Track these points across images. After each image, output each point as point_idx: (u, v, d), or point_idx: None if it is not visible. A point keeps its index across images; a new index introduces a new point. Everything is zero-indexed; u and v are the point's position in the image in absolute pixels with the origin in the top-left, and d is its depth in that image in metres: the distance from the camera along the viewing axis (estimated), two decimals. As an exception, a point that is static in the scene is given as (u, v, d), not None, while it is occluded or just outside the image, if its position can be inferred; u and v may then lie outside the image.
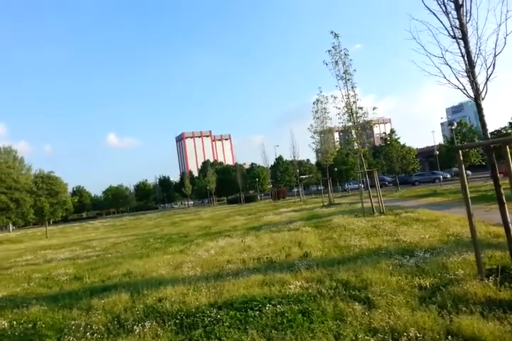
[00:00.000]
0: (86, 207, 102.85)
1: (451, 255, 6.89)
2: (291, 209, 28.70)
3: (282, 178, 72.67)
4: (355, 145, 21.17)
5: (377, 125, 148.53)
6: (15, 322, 6.23)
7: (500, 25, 5.46)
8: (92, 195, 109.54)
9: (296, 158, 51.06)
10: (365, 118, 19.69)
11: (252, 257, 9.55)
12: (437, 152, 48.85)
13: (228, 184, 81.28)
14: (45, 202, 36.11)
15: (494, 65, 5.65)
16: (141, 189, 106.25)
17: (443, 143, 61.03)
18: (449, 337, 3.72)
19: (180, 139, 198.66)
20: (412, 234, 9.84)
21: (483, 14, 5.63)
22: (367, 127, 23.86)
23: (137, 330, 4.98)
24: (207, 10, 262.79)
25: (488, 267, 5.82)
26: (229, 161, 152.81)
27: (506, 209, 5.47)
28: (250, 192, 79.83)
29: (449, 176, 48.52)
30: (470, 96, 5.98)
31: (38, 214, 37.09)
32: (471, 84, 5.83)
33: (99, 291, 7.77)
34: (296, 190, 61.79)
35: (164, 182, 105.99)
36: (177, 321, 5.21)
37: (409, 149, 48.66)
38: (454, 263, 6.31)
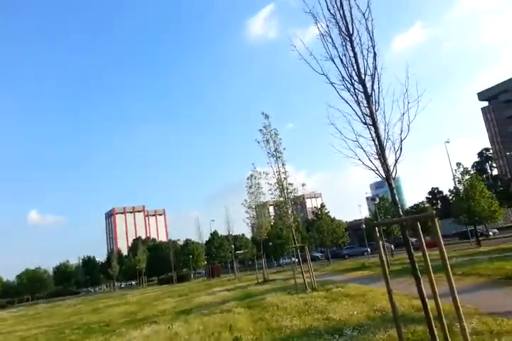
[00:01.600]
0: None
1: (377, 332, 6.95)
2: (224, 288, 27.48)
3: (217, 254, 70.67)
4: (287, 220, 21.67)
5: (309, 199, 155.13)
6: None
7: (403, 114, 6.29)
8: (4, 280, 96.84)
9: (231, 233, 50.47)
10: (295, 194, 20.56)
11: (179, 346, 8.80)
12: (364, 225, 51.36)
13: (160, 262, 76.71)
14: None
15: (401, 148, 6.36)
16: (62, 271, 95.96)
17: (369, 216, 64.51)
18: None
19: (110, 215, 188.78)
20: (341, 311, 9.83)
21: (389, 104, 6.46)
22: (297, 202, 24.79)
23: None
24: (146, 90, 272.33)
25: (411, 343, 5.91)
26: (162, 237, 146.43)
27: (422, 286, 5.76)
28: (184, 270, 75.85)
29: (369, 250, 50.31)
30: (382, 177, 6.58)
31: None
32: (382, 166, 6.46)
33: None
34: (230, 266, 59.97)
35: (88, 262, 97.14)
36: None
37: (338, 223, 50.74)
38: (379, 341, 6.34)
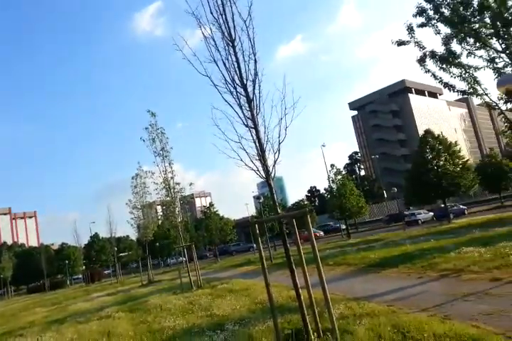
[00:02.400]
0: None
1: (257, 324, 7.22)
2: (105, 293, 25.82)
3: (98, 258, 65.93)
4: (174, 220, 21.30)
5: (198, 198, 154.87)
6: None
7: (281, 119, 6.64)
8: None
9: (114, 235, 47.62)
10: (182, 193, 20.31)
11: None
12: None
13: (31, 269, 68.44)
14: None
15: (279, 150, 6.72)
16: None
17: (255, 214, 67.11)
18: None
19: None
20: (225, 307, 10.00)
21: (269, 109, 6.77)
22: (185, 201, 24.53)
23: None
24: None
25: (286, 331, 6.27)
26: (33, 242, 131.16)
27: (296, 275, 6.17)
28: (58, 276, 69.03)
29: (255, 246, 52.55)
30: (262, 177, 6.87)
31: None
32: (263, 167, 6.74)
33: None
34: (113, 269, 56.55)
35: None
36: None
37: (227, 220, 51.74)
38: (258, 332, 6.61)
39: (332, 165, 37.46)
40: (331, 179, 37.46)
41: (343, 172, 39.66)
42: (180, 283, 18.00)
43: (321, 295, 6.66)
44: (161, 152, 19.57)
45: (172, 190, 19.65)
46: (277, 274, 14.16)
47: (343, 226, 40.14)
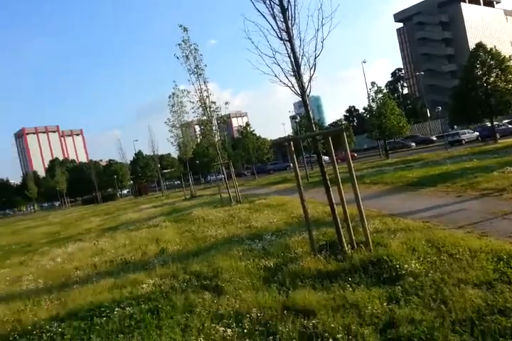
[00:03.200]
0: None
1: (293, 235, 7.61)
2: (152, 205, 27.90)
3: (143, 173, 70.09)
4: (211, 138, 21.63)
5: (235, 118, 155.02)
6: None
7: (318, 30, 6.10)
8: None
9: (156, 153, 49.64)
10: (218, 113, 20.25)
11: (105, 260, 8.96)
12: (286, 143, 53.40)
13: (82, 183, 74.41)
14: None
15: (315, 65, 6.31)
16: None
17: (292, 134, 66.95)
18: (285, 311, 4.08)
19: (20, 136, 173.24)
20: (262, 220, 10.55)
21: (304, 20, 6.21)
22: (221, 121, 24.58)
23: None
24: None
25: (321, 243, 6.59)
26: (82, 158, 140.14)
27: (331, 191, 6.25)
28: (109, 190, 74.81)
29: (291, 165, 53.18)
30: (297, 94, 6.58)
31: None
32: (298, 83, 6.42)
33: None
34: (157, 184, 60.31)
35: (2, 185, 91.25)
36: (5, 345, 4.55)
37: (263, 140, 52.16)
38: (294, 243, 6.98)
39: (373, 83, 35.45)
40: (371, 98, 35.79)
41: (385, 91, 37.60)
42: (220, 198, 18.98)
43: (355, 211, 6.82)
44: (195, 70, 19.08)
45: (208, 109, 19.58)
46: (313, 192, 14.49)
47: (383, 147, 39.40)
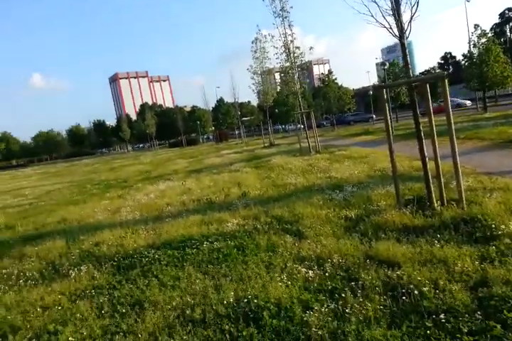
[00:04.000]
0: (15, 154, 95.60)
1: (375, 188, 7.43)
2: (232, 151, 28.85)
3: (224, 120, 71.87)
4: (293, 87, 21.19)
5: (316, 65, 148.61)
6: None
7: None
8: (21, 142, 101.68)
9: (237, 100, 50.16)
10: (302, 59, 19.54)
11: (192, 199, 9.65)
12: (371, 92, 50.38)
13: (169, 127, 78.86)
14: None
15: (418, 3, 5.64)
16: (75, 134, 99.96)
17: (377, 83, 62.76)
18: (368, 260, 4.11)
19: (114, 80, 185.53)
20: (343, 171, 10.40)
21: None
22: (304, 68, 23.80)
23: (73, 274, 4.97)
24: None
25: (407, 198, 6.36)
26: (169, 104, 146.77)
27: (424, 144, 5.85)
28: (192, 135, 78.55)
29: (374, 116, 50.00)
30: (395, 35, 6.01)
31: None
32: (396, 23, 5.84)
33: (32, 239, 7.53)
34: (238, 132, 61.73)
35: (100, 126, 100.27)
36: (114, 263, 5.26)
37: (345, 90, 49.70)
38: (377, 196, 6.82)
39: (476, 26, 30.94)
40: (472, 43, 31.54)
41: (489, 35, 32.79)
42: (299, 147, 18.96)
43: (448, 167, 6.38)
44: (280, 12, 18.35)
45: (292, 55, 19.01)
46: (399, 145, 13.75)
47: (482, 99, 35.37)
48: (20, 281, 5.04)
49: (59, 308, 4.02)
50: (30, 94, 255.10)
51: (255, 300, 3.50)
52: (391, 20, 5.84)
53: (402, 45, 6.06)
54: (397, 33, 5.91)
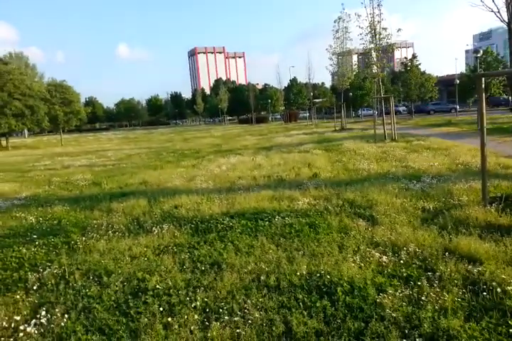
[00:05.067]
0: (99, 118, 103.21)
1: (457, 182, 7.07)
2: (302, 132, 28.69)
3: (295, 101, 71.22)
4: (374, 69, 20.35)
5: (398, 49, 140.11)
6: (41, 219, 6.76)
7: None
8: (105, 107, 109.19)
9: (310, 81, 49.46)
10: (388, 41, 18.63)
11: (263, 175, 9.88)
12: (457, 81, 46.66)
13: (240, 103, 79.99)
14: (59, 111, 36.40)
15: None
16: (153, 104, 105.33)
17: (465, 72, 57.76)
18: (446, 253, 4.00)
19: (192, 54, 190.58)
20: (421, 161, 9.96)
21: None
22: (389, 50, 22.68)
23: (156, 231, 5.42)
24: None
25: (492, 195, 5.99)
26: (242, 80, 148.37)
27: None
28: (262, 113, 79.00)
29: (457, 107, 46.36)
30: (503, 21, 5.55)
31: (53, 122, 37.62)
32: (507, 7, 5.36)
33: (117, 196, 8.25)
34: (308, 113, 60.91)
35: (176, 98, 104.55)
36: (192, 225, 5.63)
37: (428, 76, 46.50)
38: (459, 190, 6.50)
39: None
40: None
41: None
42: (374, 133, 18.34)
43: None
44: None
45: (377, 36, 18.21)
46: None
47: None
48: (109, 232, 5.59)
49: (145, 259, 4.44)
50: (116, 63, 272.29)
51: (328, 276, 3.60)
52: (500, 3, 5.39)
53: (510, 31, 5.58)
54: (505, 18, 5.45)
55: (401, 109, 58.18)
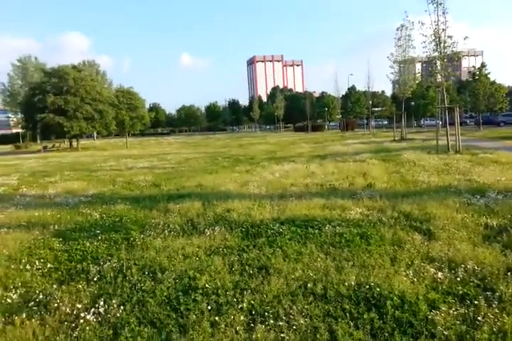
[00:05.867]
0: (161, 123, 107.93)
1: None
2: (359, 141, 28.09)
3: (353, 109, 69.79)
4: (439, 78, 19.52)
5: (466, 57, 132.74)
6: (104, 215, 7.23)
7: None
8: (167, 113, 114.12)
9: (370, 89, 48.25)
10: (453, 49, 17.82)
11: (316, 183, 9.81)
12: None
13: (296, 111, 79.96)
14: (125, 116, 38.78)
15: None
16: (211, 110, 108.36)
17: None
18: (509, 273, 3.74)
19: (251, 63, 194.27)
20: (486, 175, 9.37)
21: None
22: (454, 58, 21.66)
23: (208, 233, 5.59)
24: None
25: None
26: (299, 88, 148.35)
27: None
28: (318, 121, 78.34)
29: None
30: None
31: (119, 126, 40.13)
32: None
33: (174, 198, 8.61)
34: (366, 122, 59.44)
35: (233, 105, 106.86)
36: (243, 229, 5.74)
37: (499, 86, 43.58)
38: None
39: None
40: None
41: None
42: (436, 144, 17.52)
43: None
44: (436, -2, 16.97)
45: (441, 44, 17.50)
46: None
47: None
48: (165, 231, 5.86)
49: (197, 259, 4.61)
50: (178, 71, 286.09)
51: (377, 288, 3.51)
52: None
53: None
54: None
55: (468, 120, 55.01)
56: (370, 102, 52.57)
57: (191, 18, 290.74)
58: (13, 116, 60.86)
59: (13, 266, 4.68)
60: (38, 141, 50.29)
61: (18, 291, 3.94)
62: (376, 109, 68.01)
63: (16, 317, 3.38)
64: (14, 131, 63.61)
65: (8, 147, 48.32)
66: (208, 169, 14.46)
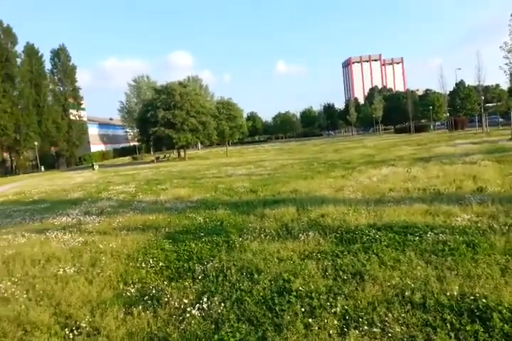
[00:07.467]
0: (258, 131, 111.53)
1: None
2: (469, 141, 25.62)
3: (462, 106, 63.78)
4: None
5: None
6: (207, 219, 7.81)
7: None
8: (263, 121, 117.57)
9: (481, 83, 43.64)
10: None
11: (417, 187, 9.29)
12: None
13: (397, 112, 75.72)
14: (225, 126, 41.04)
15: None
16: (307, 116, 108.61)
17: None
18: None
19: (346, 65, 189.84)
20: None
21: None
22: None
23: (302, 237, 5.70)
24: None
25: None
26: (399, 87, 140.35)
27: None
28: (422, 121, 73.24)
29: None
30: None
31: (220, 136, 42.57)
32: None
33: (270, 203, 8.90)
34: (478, 119, 53.84)
35: (329, 109, 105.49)
36: (337, 235, 5.73)
37: None
38: None
39: None
40: None
41: None
42: None
43: None
44: None
45: None
46: None
47: None
48: (262, 235, 6.12)
49: (291, 262, 4.75)
50: (274, 79, 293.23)
51: (484, 300, 3.26)
52: None
53: None
54: None
55: None
56: (483, 97, 47.54)
57: (284, 24, 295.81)
58: (130, 130, 68.40)
59: (131, 264, 5.35)
60: (152, 152, 55.95)
61: (135, 286, 4.51)
62: (490, 104, 61.32)
63: (134, 309, 3.88)
64: (132, 144, 71.59)
65: (127, 158, 55.01)
66: (302, 175, 14.57)
